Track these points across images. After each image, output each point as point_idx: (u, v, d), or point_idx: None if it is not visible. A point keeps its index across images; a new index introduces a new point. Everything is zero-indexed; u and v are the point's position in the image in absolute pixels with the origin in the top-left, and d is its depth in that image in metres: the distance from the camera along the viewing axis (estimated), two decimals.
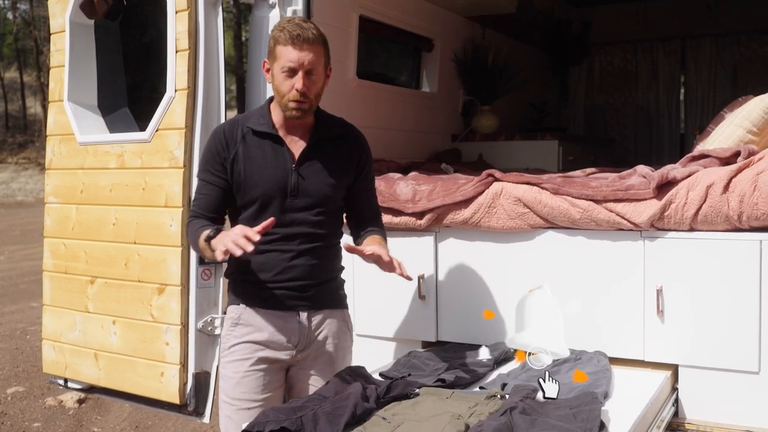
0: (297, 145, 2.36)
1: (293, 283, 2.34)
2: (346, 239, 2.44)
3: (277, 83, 2.28)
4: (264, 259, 2.33)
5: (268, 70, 2.32)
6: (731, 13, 5.96)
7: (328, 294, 2.43)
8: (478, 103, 4.98)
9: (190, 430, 4.68)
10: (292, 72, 2.24)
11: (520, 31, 5.70)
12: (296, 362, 2.41)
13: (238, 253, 2.04)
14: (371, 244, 2.31)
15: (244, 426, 1.98)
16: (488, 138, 4.92)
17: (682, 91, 6.50)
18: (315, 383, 2.39)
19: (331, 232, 2.42)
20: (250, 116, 2.40)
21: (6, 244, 12.93)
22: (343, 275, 2.51)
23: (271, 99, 2.38)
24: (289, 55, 2.23)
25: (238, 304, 2.40)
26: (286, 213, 2.32)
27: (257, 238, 2.05)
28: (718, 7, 6.02)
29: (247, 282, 2.38)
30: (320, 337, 2.40)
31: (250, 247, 2.03)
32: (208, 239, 2.20)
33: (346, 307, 2.51)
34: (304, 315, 2.37)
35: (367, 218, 2.50)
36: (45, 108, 27.60)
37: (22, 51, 31.73)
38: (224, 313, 2.48)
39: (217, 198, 2.35)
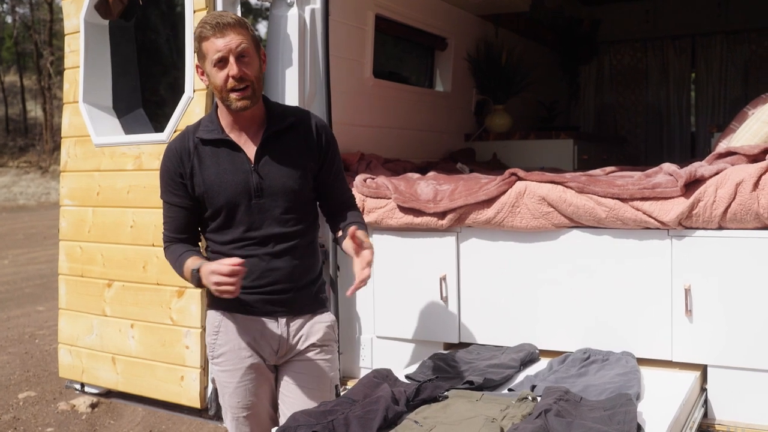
0: (251, 145, 2.27)
1: (272, 287, 2.29)
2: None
3: (213, 80, 2.19)
4: None
5: (203, 73, 2.24)
6: (742, 11, 5.93)
7: (306, 298, 2.37)
8: (491, 102, 4.95)
9: None
10: (223, 62, 2.16)
11: (533, 30, 5.67)
12: (280, 365, 2.39)
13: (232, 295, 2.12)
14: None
15: None
16: (501, 137, 4.89)
17: (693, 89, 6.48)
18: (296, 392, 2.36)
19: (305, 229, 2.35)
20: (199, 125, 2.32)
21: (9, 248, 12.89)
22: (323, 276, 2.48)
23: (218, 105, 2.29)
24: (215, 45, 2.15)
25: (218, 310, 2.35)
26: (254, 216, 2.26)
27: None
28: (729, 4, 5.99)
29: None
30: (301, 343, 2.37)
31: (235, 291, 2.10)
32: (196, 278, 2.19)
33: (327, 309, 2.46)
34: (282, 321, 2.33)
35: (339, 205, 2.44)
36: (45, 111, 27.61)
37: (22, 54, 31.70)
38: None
39: (185, 218, 2.30)
